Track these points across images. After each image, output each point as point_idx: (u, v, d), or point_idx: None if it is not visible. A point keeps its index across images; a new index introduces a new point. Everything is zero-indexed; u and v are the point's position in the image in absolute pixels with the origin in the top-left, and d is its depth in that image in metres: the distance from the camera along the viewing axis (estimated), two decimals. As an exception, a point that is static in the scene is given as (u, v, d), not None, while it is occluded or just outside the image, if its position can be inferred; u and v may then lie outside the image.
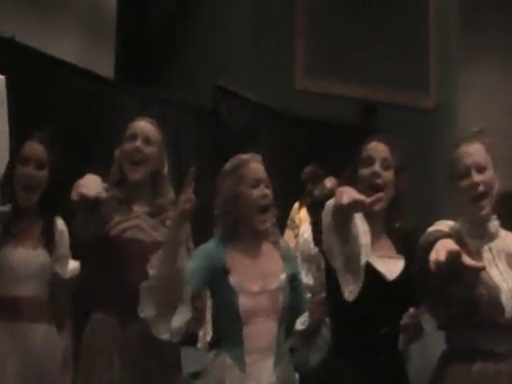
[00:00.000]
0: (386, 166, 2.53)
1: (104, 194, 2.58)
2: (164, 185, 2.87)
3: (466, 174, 2.35)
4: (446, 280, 2.15)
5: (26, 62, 5.12)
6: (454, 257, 2.04)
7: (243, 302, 2.50)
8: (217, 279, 2.54)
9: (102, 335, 2.67)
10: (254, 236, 2.62)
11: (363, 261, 2.35)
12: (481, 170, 2.35)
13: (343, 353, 2.45)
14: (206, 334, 6.67)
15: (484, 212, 2.35)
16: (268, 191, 2.61)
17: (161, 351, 2.68)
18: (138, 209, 2.79)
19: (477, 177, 2.33)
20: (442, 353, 2.45)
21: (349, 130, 7.79)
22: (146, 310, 2.41)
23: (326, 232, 2.38)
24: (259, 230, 2.60)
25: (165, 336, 2.42)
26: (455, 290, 2.22)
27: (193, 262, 2.52)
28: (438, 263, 2.03)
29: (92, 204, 2.53)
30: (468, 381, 2.26)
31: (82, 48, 7.51)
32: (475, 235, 2.35)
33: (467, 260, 2.06)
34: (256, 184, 2.61)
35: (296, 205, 5.94)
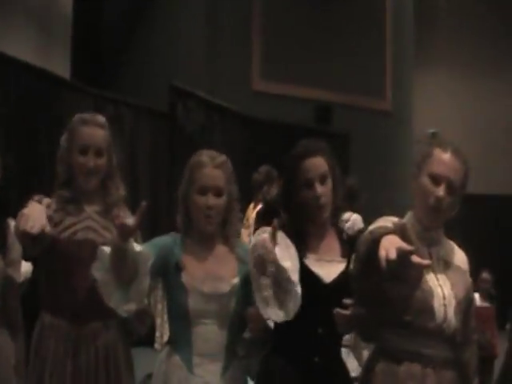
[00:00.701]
0: (324, 181, 2.51)
1: (48, 228, 2.54)
2: (114, 183, 2.81)
3: (437, 183, 2.32)
4: (390, 277, 2.15)
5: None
6: (404, 254, 2.03)
7: (193, 302, 2.47)
8: (169, 274, 2.51)
9: (53, 338, 2.63)
10: (208, 237, 2.58)
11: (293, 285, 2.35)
12: (451, 187, 2.32)
13: (281, 353, 2.47)
14: (163, 334, 6.66)
15: (437, 223, 2.38)
16: (214, 202, 2.51)
17: (114, 353, 2.66)
18: (89, 208, 2.75)
19: (443, 192, 2.31)
20: (371, 352, 2.49)
21: (304, 131, 7.85)
22: (101, 271, 2.36)
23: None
24: (205, 233, 2.56)
25: (114, 302, 2.38)
26: (396, 289, 2.24)
27: (151, 248, 2.47)
28: (389, 261, 2.02)
29: (35, 237, 2.50)
30: (394, 380, 2.30)
31: (37, 48, 7.43)
32: (419, 237, 2.38)
33: (414, 257, 2.05)
34: (204, 192, 2.52)
35: (251, 205, 5.97)
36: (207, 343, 2.48)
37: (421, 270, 2.22)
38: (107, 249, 2.35)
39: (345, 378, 2.57)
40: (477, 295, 7.71)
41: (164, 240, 2.57)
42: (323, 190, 2.50)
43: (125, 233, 2.28)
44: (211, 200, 2.51)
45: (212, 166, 2.55)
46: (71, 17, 8.41)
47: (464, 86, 14.92)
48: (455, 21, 14.89)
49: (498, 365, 7.38)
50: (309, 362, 2.45)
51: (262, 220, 2.62)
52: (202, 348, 2.48)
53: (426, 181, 2.34)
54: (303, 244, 2.51)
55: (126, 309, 2.41)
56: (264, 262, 2.34)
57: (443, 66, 14.99)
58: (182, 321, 2.50)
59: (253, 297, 2.41)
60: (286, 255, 2.36)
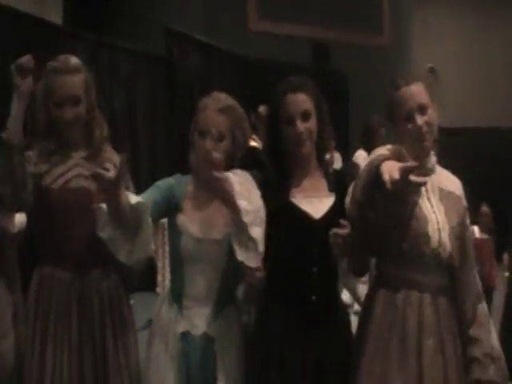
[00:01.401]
0: (306, 117, 2.48)
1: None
2: (97, 124, 2.71)
3: (410, 116, 2.38)
4: (393, 201, 2.19)
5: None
6: (406, 173, 2.06)
7: (185, 245, 2.49)
8: (170, 214, 2.53)
9: (56, 287, 2.60)
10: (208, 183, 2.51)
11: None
12: (423, 111, 2.38)
13: (277, 295, 2.47)
14: (165, 278, 6.73)
15: (425, 151, 2.40)
16: (211, 145, 2.44)
17: (118, 300, 2.66)
18: (76, 154, 2.67)
19: (420, 119, 2.36)
20: (371, 280, 2.54)
21: (302, 70, 7.79)
22: (107, 229, 2.37)
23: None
24: (205, 179, 2.47)
25: (123, 257, 2.40)
26: (397, 211, 2.29)
27: (153, 191, 2.51)
28: (393, 181, 2.05)
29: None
30: (393, 307, 2.36)
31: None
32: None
33: (412, 176, 2.08)
34: (202, 134, 2.46)
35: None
36: (198, 287, 2.50)
37: (419, 187, 2.27)
38: (105, 206, 2.34)
39: (342, 315, 2.60)
40: (476, 228, 7.81)
41: (167, 182, 2.56)
42: (305, 127, 2.47)
43: (104, 184, 2.25)
44: (207, 144, 2.45)
45: (210, 109, 2.50)
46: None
47: (464, 22, 14.75)
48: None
49: (495, 296, 7.50)
50: (306, 302, 2.46)
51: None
52: (193, 291, 2.51)
53: (402, 121, 2.39)
54: (288, 183, 2.51)
55: (136, 259, 2.44)
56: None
57: (443, 1, 14.79)
58: (176, 263, 2.54)
59: None
60: (245, 194, 2.34)
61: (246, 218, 2.30)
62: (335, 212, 2.46)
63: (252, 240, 2.31)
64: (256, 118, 5.80)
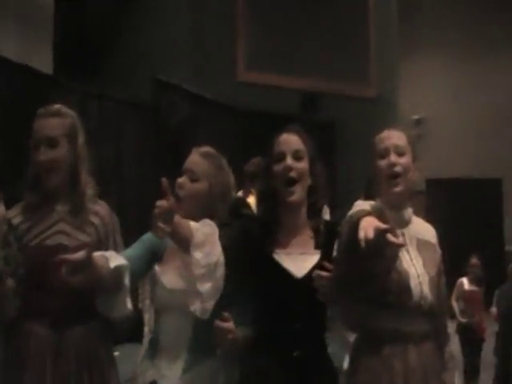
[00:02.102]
0: (298, 158, 2.45)
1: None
2: (82, 180, 2.63)
3: (385, 154, 2.44)
4: (370, 256, 2.18)
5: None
6: (380, 233, 2.09)
7: (159, 295, 2.49)
8: (153, 266, 2.54)
9: (33, 345, 2.51)
10: None
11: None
12: (400, 153, 2.43)
13: (260, 350, 2.40)
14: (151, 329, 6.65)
15: (398, 189, 2.42)
16: (181, 189, 2.52)
17: (97, 354, 2.58)
18: (61, 208, 2.61)
19: (394, 157, 2.42)
20: (355, 338, 2.52)
21: (290, 121, 7.82)
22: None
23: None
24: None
25: (104, 312, 2.40)
26: (376, 266, 2.30)
27: (139, 245, 2.51)
28: (367, 241, 2.07)
29: None
30: (379, 358, 2.36)
31: (18, 44, 7.37)
32: (392, 219, 2.41)
33: (389, 236, 2.11)
34: (183, 173, 2.58)
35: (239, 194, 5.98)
36: (170, 337, 2.48)
37: (396, 248, 2.28)
38: None
39: (330, 369, 2.53)
40: (465, 279, 7.80)
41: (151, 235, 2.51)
42: (296, 166, 2.43)
43: (75, 267, 2.21)
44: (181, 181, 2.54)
45: (198, 152, 2.59)
46: (53, 11, 8.35)
47: (450, 72, 14.98)
48: (440, 8, 14.92)
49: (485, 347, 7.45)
50: (289, 358, 2.39)
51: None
52: (166, 341, 2.48)
53: (378, 161, 2.46)
54: (273, 236, 2.45)
55: (117, 315, 2.45)
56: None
57: (428, 51, 15.03)
58: (155, 313, 2.55)
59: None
60: (206, 246, 2.29)
61: (197, 271, 2.25)
62: (320, 269, 2.39)
63: (199, 294, 2.26)
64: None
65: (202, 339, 2.44)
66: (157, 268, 2.51)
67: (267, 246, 2.43)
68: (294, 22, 10.28)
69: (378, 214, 2.30)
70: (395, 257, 2.36)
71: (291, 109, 9.77)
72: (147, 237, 2.54)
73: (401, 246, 2.21)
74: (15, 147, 5.42)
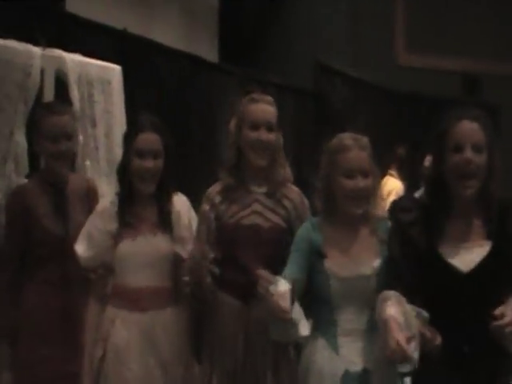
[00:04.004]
0: (478, 150, 2.30)
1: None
2: (281, 161, 2.87)
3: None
4: None
5: (136, 52, 5.27)
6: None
7: (336, 287, 2.52)
8: (313, 262, 2.58)
9: (226, 315, 2.77)
10: (351, 220, 2.59)
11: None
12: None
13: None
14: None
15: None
16: (363, 183, 2.53)
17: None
18: (256, 189, 2.84)
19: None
20: None
21: (451, 104, 7.65)
22: None
23: None
24: (351, 215, 2.57)
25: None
26: None
27: (294, 256, 2.58)
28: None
29: None
30: None
31: (186, 35, 7.70)
32: None
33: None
34: (350, 174, 2.54)
35: (385, 178, 6.03)
36: (350, 324, 2.54)
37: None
38: None
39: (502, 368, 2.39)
40: None
41: (301, 232, 2.64)
42: (476, 159, 2.30)
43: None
44: (360, 182, 2.53)
45: (356, 149, 2.56)
46: (217, 5, 8.63)
47: None
48: None
49: None
50: (459, 354, 2.30)
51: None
52: (346, 329, 2.54)
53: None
54: (439, 230, 2.34)
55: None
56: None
57: None
58: (324, 305, 2.57)
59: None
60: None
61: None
62: (490, 262, 2.29)
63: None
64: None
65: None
66: (326, 263, 2.56)
67: (433, 240, 2.35)
68: (453, 1, 9.99)
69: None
70: None
71: (454, 90, 9.54)
72: (300, 239, 2.62)
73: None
74: (186, 134, 5.71)
